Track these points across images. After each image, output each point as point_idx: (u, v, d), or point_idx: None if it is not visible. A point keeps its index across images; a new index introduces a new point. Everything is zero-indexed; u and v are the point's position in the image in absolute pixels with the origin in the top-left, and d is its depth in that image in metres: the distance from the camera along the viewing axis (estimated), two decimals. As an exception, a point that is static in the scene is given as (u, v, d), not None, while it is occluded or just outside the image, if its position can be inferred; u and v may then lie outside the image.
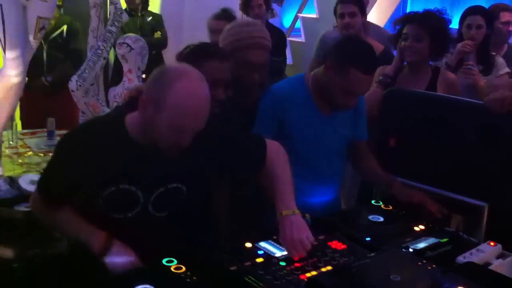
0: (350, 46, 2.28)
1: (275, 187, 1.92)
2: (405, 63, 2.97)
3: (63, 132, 4.19)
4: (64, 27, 4.31)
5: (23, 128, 4.45)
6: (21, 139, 4.07)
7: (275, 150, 2.00)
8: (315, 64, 3.35)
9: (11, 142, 3.88)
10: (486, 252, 1.94)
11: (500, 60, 3.52)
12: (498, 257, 1.95)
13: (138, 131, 1.78)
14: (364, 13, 3.66)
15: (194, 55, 2.08)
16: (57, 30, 4.31)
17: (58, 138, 4.11)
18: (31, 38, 3.17)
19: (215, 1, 4.46)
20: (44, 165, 3.61)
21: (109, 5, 3.74)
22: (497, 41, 3.75)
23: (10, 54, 3.03)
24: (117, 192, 1.78)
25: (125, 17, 3.79)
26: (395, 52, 3.10)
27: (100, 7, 3.73)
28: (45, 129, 4.18)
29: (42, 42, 4.12)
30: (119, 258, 1.74)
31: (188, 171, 1.88)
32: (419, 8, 3.25)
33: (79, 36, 4.36)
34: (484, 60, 3.46)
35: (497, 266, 1.86)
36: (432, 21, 2.82)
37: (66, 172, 1.80)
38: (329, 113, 2.36)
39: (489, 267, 1.83)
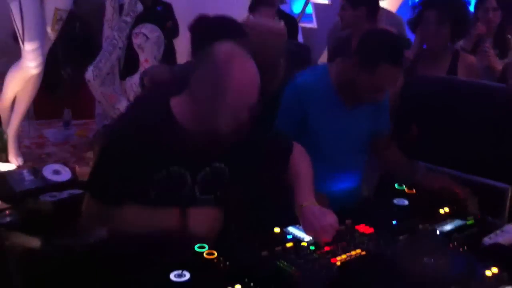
0: (374, 40, 2.24)
1: (297, 184, 1.97)
2: (424, 47, 2.96)
3: (79, 122, 4.27)
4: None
5: (38, 118, 4.49)
6: (38, 129, 4.12)
7: (299, 152, 2.05)
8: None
9: (29, 133, 3.93)
10: (511, 233, 1.95)
11: None
12: (523, 238, 1.96)
13: (187, 115, 1.79)
14: None
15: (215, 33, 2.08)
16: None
17: (73, 127, 4.18)
18: (49, 29, 3.19)
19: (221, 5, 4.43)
20: (61, 154, 3.67)
21: (124, -5, 3.75)
22: None
23: (29, 46, 3.06)
24: (168, 176, 1.80)
25: (139, 8, 3.79)
26: (410, 37, 3.09)
27: (116, -3, 3.75)
28: (61, 119, 4.22)
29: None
30: (200, 227, 1.78)
31: (232, 152, 1.89)
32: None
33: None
34: (500, 44, 3.45)
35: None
36: (452, 5, 2.80)
37: (119, 169, 1.78)
38: (353, 106, 2.35)
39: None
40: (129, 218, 1.82)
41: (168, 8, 5.63)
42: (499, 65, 3.13)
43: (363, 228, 1.93)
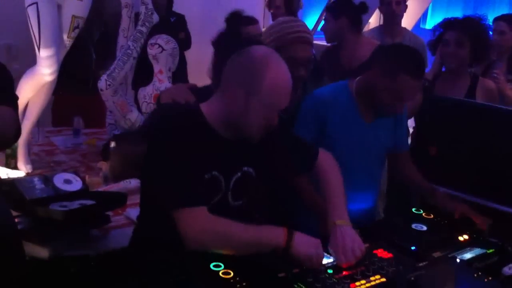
0: (398, 51, 2.27)
1: (329, 196, 1.94)
2: (443, 69, 2.94)
3: (89, 130, 4.24)
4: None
5: (48, 126, 4.46)
6: (47, 137, 4.08)
7: (328, 158, 2.02)
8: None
9: (38, 140, 3.89)
10: (532, 263, 1.91)
11: None
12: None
13: (219, 119, 1.79)
14: None
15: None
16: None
17: (83, 136, 4.14)
18: (65, 36, 3.17)
19: (236, 2, 4.44)
20: (71, 163, 3.64)
21: (140, 5, 3.72)
22: None
23: (45, 53, 3.03)
24: (204, 181, 1.77)
25: (155, 18, 3.77)
26: (430, 59, 3.08)
27: (132, 7, 3.73)
28: (70, 127, 4.18)
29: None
30: (303, 248, 1.72)
31: (258, 154, 1.89)
32: (440, 13, 3.25)
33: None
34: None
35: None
36: (473, 27, 2.80)
37: (182, 169, 1.70)
38: (372, 120, 2.34)
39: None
40: (238, 231, 1.70)
41: (181, 19, 5.63)
42: (510, 91, 3.09)
43: (381, 253, 1.90)
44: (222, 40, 2.14)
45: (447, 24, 2.89)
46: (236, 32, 2.23)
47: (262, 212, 1.89)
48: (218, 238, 1.70)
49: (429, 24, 7.65)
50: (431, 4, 7.27)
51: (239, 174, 1.87)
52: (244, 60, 1.75)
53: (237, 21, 3.13)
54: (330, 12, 3.63)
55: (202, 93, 2.11)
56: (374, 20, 7.01)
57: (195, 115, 1.81)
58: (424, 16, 7.83)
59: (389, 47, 2.38)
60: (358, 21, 3.54)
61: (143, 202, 1.97)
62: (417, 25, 6.95)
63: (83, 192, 2.52)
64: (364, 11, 3.54)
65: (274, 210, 2.25)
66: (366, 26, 5.73)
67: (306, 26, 2.40)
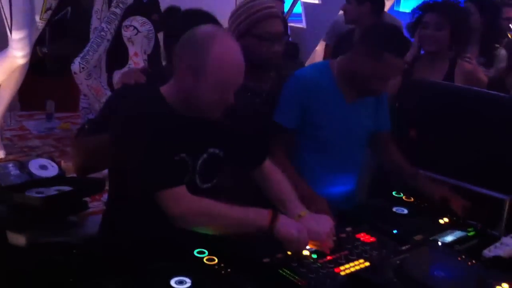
0: (381, 31, 2.28)
1: (283, 193, 1.95)
2: (422, 51, 2.94)
3: (62, 114, 4.16)
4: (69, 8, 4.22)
5: (20, 109, 4.36)
6: (19, 121, 4.00)
7: (272, 167, 2.00)
8: (330, 49, 3.32)
9: (10, 124, 3.81)
10: (511, 245, 1.93)
11: (502, 52, 3.51)
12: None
13: (178, 100, 1.77)
14: None
15: None
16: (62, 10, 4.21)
17: (56, 121, 4.07)
18: (37, 18, 3.09)
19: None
20: (45, 148, 3.57)
21: (114, -14, 3.65)
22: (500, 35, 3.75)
23: (17, 35, 2.95)
24: (175, 163, 1.75)
25: (129, 0, 3.70)
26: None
27: (105, -12, 3.65)
28: (43, 111, 4.11)
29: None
30: (287, 230, 1.70)
31: (224, 136, 1.87)
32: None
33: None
34: (487, 52, 3.45)
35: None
36: (453, 11, 2.79)
37: (154, 151, 1.69)
38: (354, 101, 2.33)
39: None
40: (223, 210, 1.70)
41: (154, 1, 5.55)
42: (482, 75, 3.09)
43: (364, 237, 1.90)
44: (171, 20, 2.12)
45: (426, 7, 2.88)
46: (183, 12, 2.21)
47: (231, 196, 1.85)
48: (205, 217, 1.70)
49: (403, 6, 7.66)
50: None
51: (205, 155, 1.84)
52: (189, 39, 1.72)
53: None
54: None
55: (157, 75, 2.09)
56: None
57: (156, 98, 1.79)
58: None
59: (371, 27, 2.38)
60: (381, 7, 3.48)
61: (113, 190, 1.96)
62: (391, 8, 6.96)
63: (60, 178, 2.47)
64: None
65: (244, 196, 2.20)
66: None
67: (272, 2, 2.37)
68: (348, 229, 1.93)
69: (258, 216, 1.73)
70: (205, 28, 1.77)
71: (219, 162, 1.89)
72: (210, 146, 1.86)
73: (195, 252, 1.68)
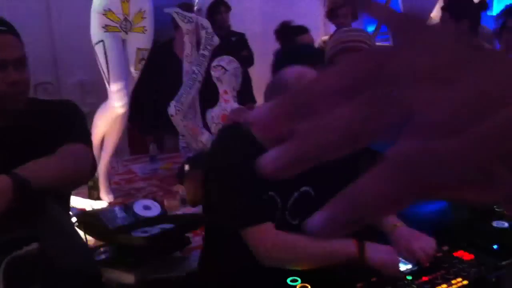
0: None
1: None
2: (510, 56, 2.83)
3: (165, 155, 4.39)
4: None
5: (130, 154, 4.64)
6: (126, 165, 4.25)
7: None
8: None
9: (117, 170, 4.06)
10: None
11: None
12: None
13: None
14: None
15: None
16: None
17: (160, 162, 4.28)
18: (132, 69, 3.31)
19: (296, 17, 4.46)
20: (149, 188, 3.77)
21: (200, 30, 3.83)
22: None
23: (114, 87, 3.18)
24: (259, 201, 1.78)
25: (216, 41, 3.87)
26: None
27: (193, 33, 3.84)
28: (146, 154, 4.34)
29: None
30: (378, 256, 1.70)
31: (316, 173, 1.86)
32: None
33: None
34: None
35: None
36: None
37: (246, 189, 1.71)
38: None
39: None
40: (308, 245, 1.68)
41: (242, 38, 5.72)
42: None
43: (462, 255, 1.84)
44: (274, 59, 2.17)
45: (509, 11, 2.79)
46: (288, 46, 2.26)
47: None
48: (291, 252, 1.71)
49: (495, 11, 7.39)
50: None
51: (296, 194, 1.85)
52: (275, 80, 1.75)
53: (288, 32, 3.16)
54: (449, 11, 3.12)
55: None
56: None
57: (251, 136, 1.81)
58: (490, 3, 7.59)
59: None
60: (478, 22, 3.09)
61: (207, 226, 2.03)
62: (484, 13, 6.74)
63: (162, 217, 2.60)
64: (484, 8, 3.12)
65: None
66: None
67: (367, 37, 2.34)
68: (445, 247, 1.89)
69: (344, 246, 1.71)
70: (292, 69, 1.76)
71: (310, 200, 1.90)
72: (302, 185, 1.87)
73: (288, 281, 1.71)
